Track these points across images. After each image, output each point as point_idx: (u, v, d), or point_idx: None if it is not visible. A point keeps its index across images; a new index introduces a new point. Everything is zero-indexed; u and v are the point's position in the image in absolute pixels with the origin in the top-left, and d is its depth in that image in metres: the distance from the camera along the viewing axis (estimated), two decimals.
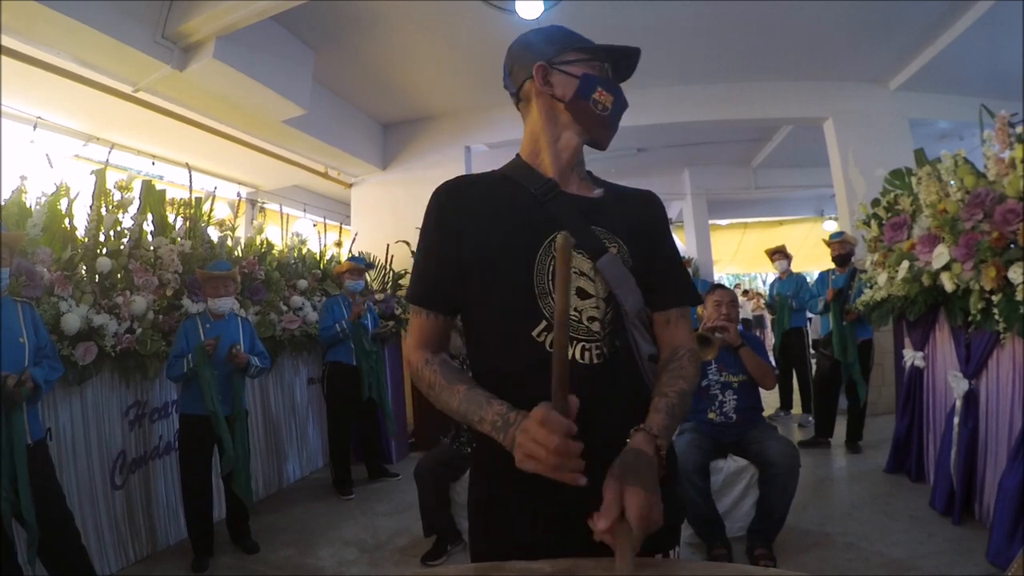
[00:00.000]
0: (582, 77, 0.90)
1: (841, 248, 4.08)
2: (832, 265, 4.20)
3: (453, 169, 5.72)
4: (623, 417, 0.81)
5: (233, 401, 2.74)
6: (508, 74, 0.98)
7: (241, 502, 2.78)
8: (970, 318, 2.42)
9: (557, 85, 0.91)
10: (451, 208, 0.90)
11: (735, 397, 2.60)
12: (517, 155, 0.98)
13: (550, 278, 0.84)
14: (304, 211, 6.78)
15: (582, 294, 0.85)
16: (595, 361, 0.83)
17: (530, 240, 0.86)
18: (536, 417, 0.68)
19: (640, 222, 0.94)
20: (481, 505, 0.91)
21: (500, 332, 0.87)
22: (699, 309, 5.07)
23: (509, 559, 0.75)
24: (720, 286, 2.90)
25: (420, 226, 0.94)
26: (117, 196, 2.87)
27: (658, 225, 0.98)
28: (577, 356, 0.83)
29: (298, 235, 4.66)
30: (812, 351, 5.18)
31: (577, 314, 0.84)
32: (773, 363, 4.94)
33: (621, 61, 0.96)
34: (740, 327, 2.80)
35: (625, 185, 1.02)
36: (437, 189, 0.93)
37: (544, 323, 0.83)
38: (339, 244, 5.23)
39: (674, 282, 0.96)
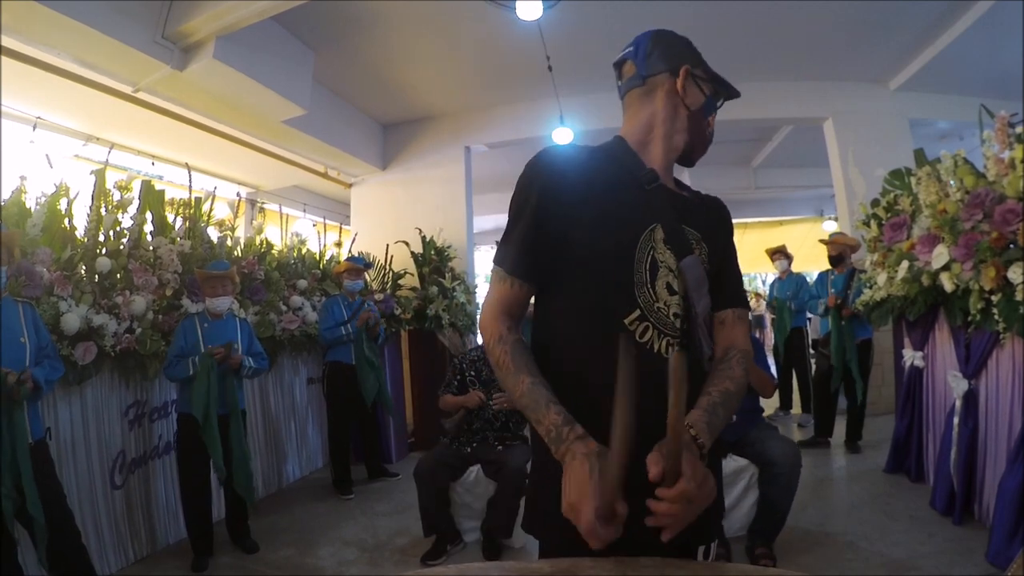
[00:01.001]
0: (711, 96, 0.97)
1: (832, 248, 4.09)
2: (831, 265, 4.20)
3: (453, 169, 5.74)
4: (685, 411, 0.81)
5: (229, 401, 2.73)
6: (646, 56, 0.96)
7: (241, 502, 2.77)
8: (970, 318, 2.42)
9: (690, 94, 0.95)
10: (558, 178, 0.87)
11: None
12: (619, 137, 0.97)
13: (648, 268, 0.85)
14: (304, 211, 6.78)
15: (671, 290, 0.87)
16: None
17: (632, 226, 0.87)
18: (587, 491, 0.68)
19: (716, 228, 0.97)
20: (541, 472, 0.91)
21: (592, 316, 0.85)
22: None
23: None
24: None
25: (524, 176, 0.91)
26: (117, 196, 2.87)
27: (728, 232, 1.02)
28: (662, 350, 0.84)
29: (298, 235, 4.65)
30: (812, 351, 5.18)
31: (666, 308, 0.86)
32: (772, 364, 4.99)
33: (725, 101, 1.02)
34: None
35: (702, 192, 1.06)
36: (536, 155, 0.90)
37: (638, 312, 0.84)
38: (339, 244, 5.23)
39: (734, 286, 0.99)
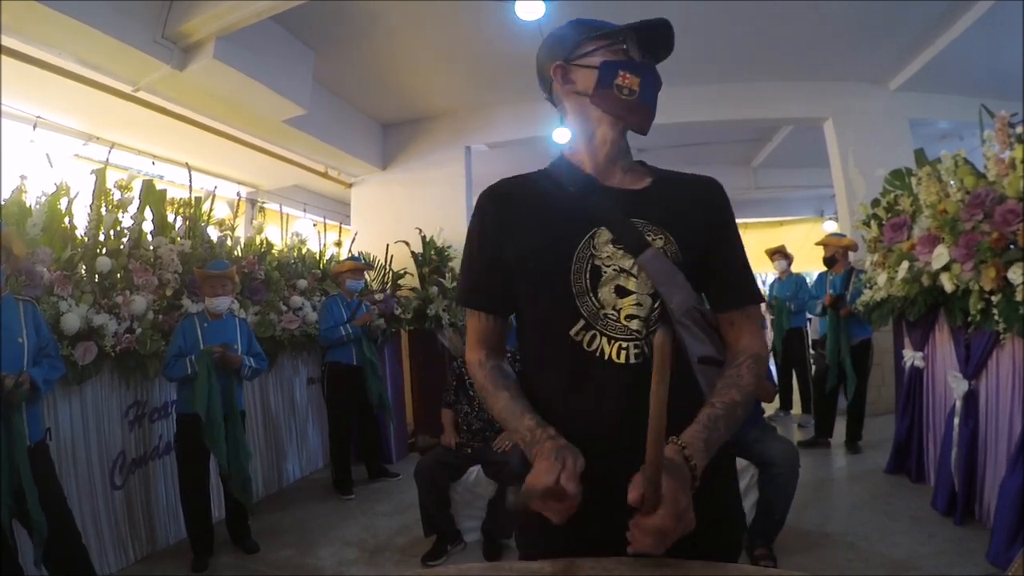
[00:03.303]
0: (601, 66, 0.88)
1: (826, 250, 4.10)
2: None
3: (453, 169, 5.74)
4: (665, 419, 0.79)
5: (227, 401, 2.72)
6: (540, 81, 0.98)
7: (241, 502, 2.77)
8: (970, 318, 2.42)
9: (579, 80, 0.90)
10: (494, 209, 0.91)
11: None
12: (562, 154, 0.97)
13: (588, 276, 0.83)
14: (304, 211, 6.78)
15: (620, 292, 0.83)
16: (633, 360, 0.81)
17: (567, 238, 0.85)
18: (546, 483, 0.69)
19: (694, 210, 0.89)
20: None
21: (541, 332, 0.88)
22: None
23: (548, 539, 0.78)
24: None
25: (467, 227, 0.95)
26: (117, 196, 2.87)
27: (716, 213, 0.91)
28: (614, 355, 0.81)
29: (298, 235, 4.66)
30: (811, 351, 5.19)
31: (615, 312, 0.83)
32: (772, 364, 4.99)
33: (651, 39, 0.91)
34: None
35: (692, 173, 0.97)
36: (483, 192, 0.94)
37: (582, 322, 0.83)
38: (339, 244, 5.23)
39: (732, 280, 0.90)
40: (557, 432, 0.78)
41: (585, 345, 0.82)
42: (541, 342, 0.88)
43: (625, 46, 0.89)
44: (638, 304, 0.83)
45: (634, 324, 0.82)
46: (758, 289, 0.93)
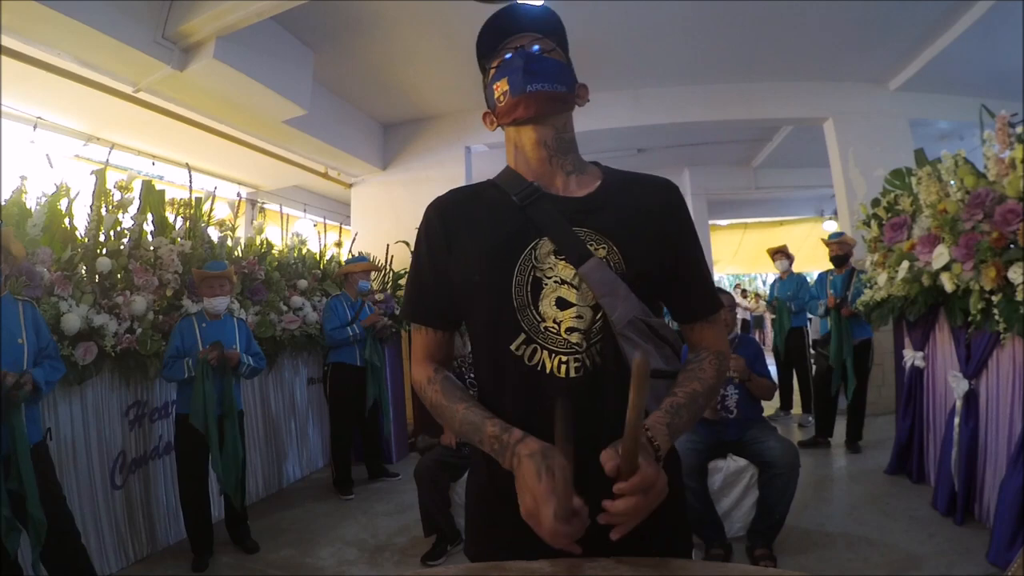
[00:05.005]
0: (486, 88, 0.92)
1: (840, 249, 4.08)
2: (831, 265, 4.20)
3: (453, 169, 5.74)
4: (606, 433, 0.75)
5: (225, 401, 2.72)
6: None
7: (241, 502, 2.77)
8: (970, 318, 2.42)
9: (488, 98, 0.93)
10: (439, 223, 0.89)
11: (736, 392, 2.60)
12: (507, 164, 0.95)
13: (529, 289, 0.81)
14: (304, 211, 6.79)
15: (562, 304, 0.81)
16: (573, 375, 0.79)
17: (509, 249, 0.83)
18: (542, 525, 0.66)
19: (644, 217, 0.86)
20: (478, 497, 0.91)
21: (485, 346, 0.86)
22: None
23: (504, 555, 0.75)
24: (719, 290, 2.89)
25: (418, 229, 0.94)
26: (117, 196, 2.87)
27: (669, 220, 0.87)
28: (555, 369, 0.79)
29: (298, 235, 4.65)
30: (812, 351, 5.18)
31: (556, 326, 0.80)
32: (772, 364, 4.98)
33: (503, 28, 0.90)
34: (738, 331, 2.79)
35: (648, 174, 0.94)
36: (428, 206, 0.93)
37: (523, 336, 0.81)
38: (339, 244, 5.23)
39: (696, 293, 0.89)
40: (524, 434, 0.75)
41: (526, 360, 0.80)
42: (486, 356, 0.86)
43: (499, 52, 0.90)
44: (579, 317, 0.80)
45: (574, 337, 0.80)
46: (716, 295, 0.93)
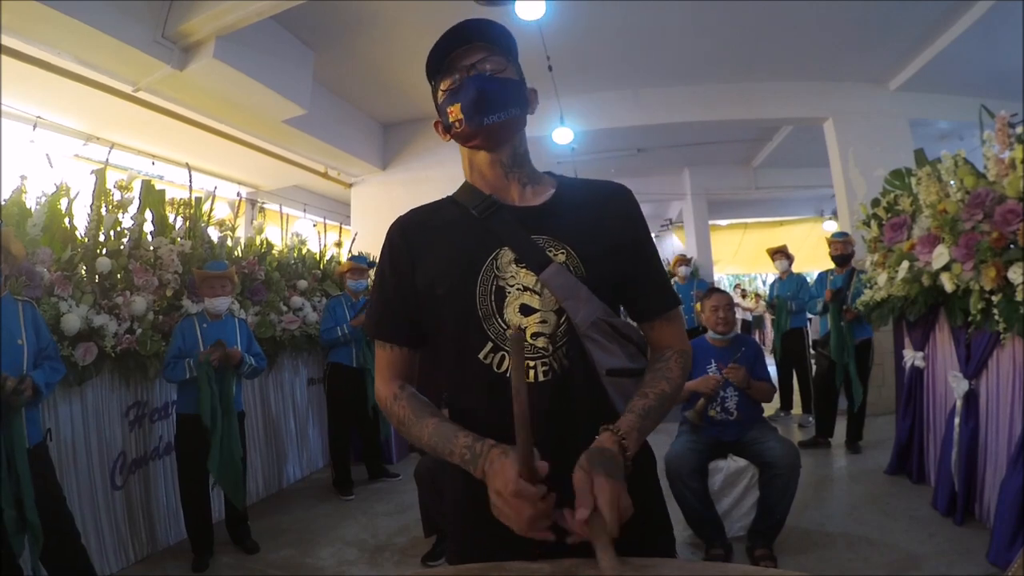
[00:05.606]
0: (436, 103, 0.92)
1: (843, 248, 4.08)
2: (832, 265, 4.20)
3: (453, 169, 5.69)
4: (578, 433, 0.78)
5: (224, 400, 2.71)
6: None
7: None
8: (970, 318, 2.42)
9: (442, 116, 0.93)
10: (402, 242, 0.91)
11: (736, 393, 2.60)
12: (466, 180, 0.96)
13: (493, 298, 0.83)
14: (304, 211, 6.79)
15: (525, 310, 0.83)
16: (542, 378, 0.81)
17: (471, 261, 0.85)
18: (507, 487, 0.68)
19: (598, 221, 0.89)
20: (454, 506, 0.91)
21: (452, 358, 0.87)
22: (696, 307, 5.07)
23: (489, 557, 0.75)
24: (717, 290, 2.88)
25: (381, 248, 0.95)
26: (117, 196, 2.87)
27: (623, 223, 0.91)
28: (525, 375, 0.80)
29: (298, 235, 4.65)
30: (812, 351, 5.19)
31: (521, 332, 0.81)
32: (772, 364, 4.98)
33: (453, 48, 0.88)
34: (738, 331, 2.79)
35: (600, 180, 0.97)
36: (391, 226, 0.94)
37: (490, 344, 0.82)
38: (339, 244, 5.23)
39: (651, 291, 0.92)
40: (497, 443, 0.76)
41: (495, 367, 0.82)
42: (455, 366, 0.87)
43: (454, 75, 0.88)
44: (543, 321, 0.82)
45: (540, 342, 0.81)
46: (674, 292, 0.96)
